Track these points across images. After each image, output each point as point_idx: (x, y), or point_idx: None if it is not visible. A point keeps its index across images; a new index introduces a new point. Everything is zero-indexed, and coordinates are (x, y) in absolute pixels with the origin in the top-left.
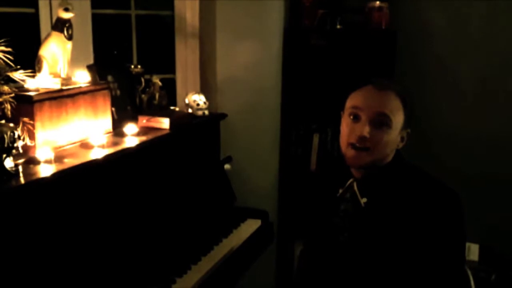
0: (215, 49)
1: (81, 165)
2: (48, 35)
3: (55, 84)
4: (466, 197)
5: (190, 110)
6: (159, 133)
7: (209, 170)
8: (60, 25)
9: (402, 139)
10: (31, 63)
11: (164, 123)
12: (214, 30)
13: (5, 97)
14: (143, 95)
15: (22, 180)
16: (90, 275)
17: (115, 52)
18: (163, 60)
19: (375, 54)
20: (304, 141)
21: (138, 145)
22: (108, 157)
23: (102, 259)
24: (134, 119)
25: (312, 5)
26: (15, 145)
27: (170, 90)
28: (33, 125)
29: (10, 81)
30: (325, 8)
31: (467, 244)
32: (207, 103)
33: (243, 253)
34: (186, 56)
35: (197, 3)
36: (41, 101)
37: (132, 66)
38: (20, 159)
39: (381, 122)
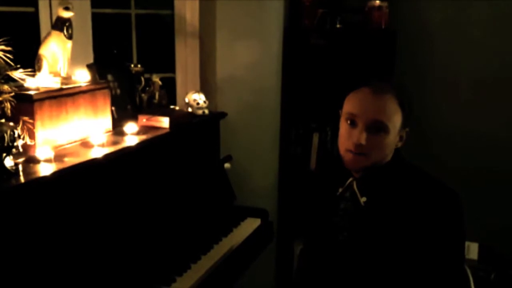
0: (215, 48)
1: (81, 164)
2: (48, 34)
3: (55, 83)
4: (466, 197)
5: (190, 109)
6: (159, 132)
7: (209, 169)
8: (60, 24)
9: (401, 138)
10: (31, 62)
11: (164, 122)
12: (214, 30)
13: (5, 96)
14: (143, 94)
15: (22, 179)
16: (90, 274)
17: (115, 51)
18: (163, 59)
19: (374, 53)
20: (304, 140)
21: (138, 144)
22: (108, 156)
23: (102, 258)
24: (134, 118)
25: (312, 4)
26: (15, 144)
27: (170, 89)
28: (33, 124)
29: (10, 80)
30: (325, 8)
31: (467, 243)
32: (207, 102)
33: (243, 252)
34: (186, 55)
35: (197, 3)
36: (41, 100)
37: (132, 65)
38: (20, 158)
39: (377, 128)
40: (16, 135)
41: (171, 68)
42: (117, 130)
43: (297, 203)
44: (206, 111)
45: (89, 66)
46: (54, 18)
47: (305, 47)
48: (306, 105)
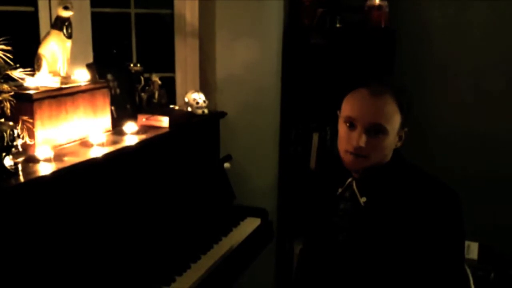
0: (215, 47)
1: (81, 164)
2: (47, 34)
3: (54, 83)
4: (466, 196)
5: (189, 109)
6: (158, 132)
7: (208, 169)
8: (59, 24)
9: (400, 138)
10: (31, 62)
11: (164, 121)
12: (213, 29)
13: (4, 95)
14: (142, 94)
15: (21, 179)
16: (90, 273)
17: (115, 50)
18: (162, 58)
19: (374, 52)
20: (304, 140)
21: (137, 144)
22: (107, 156)
23: (102, 257)
24: (134, 118)
25: (312, 4)
26: (15, 143)
27: (169, 88)
28: (32, 124)
29: (9, 79)
30: (325, 7)
31: (467, 242)
32: (206, 101)
33: (243, 251)
34: (185, 55)
35: (196, 2)
36: (41, 99)
37: (132, 65)
38: (19, 157)
39: (376, 130)
40: (15, 134)
41: (171, 67)
42: (116, 130)
43: (297, 202)
44: (206, 111)
45: (88, 66)
46: (53, 17)
47: (304, 47)
48: (306, 104)
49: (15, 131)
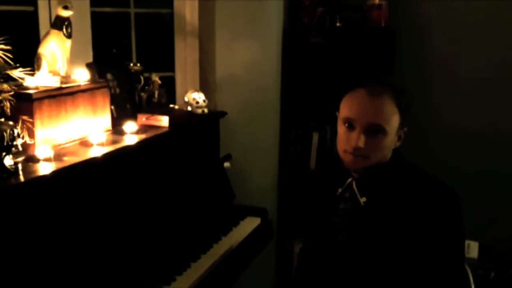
0: (215, 47)
1: (81, 163)
2: (47, 33)
3: (54, 82)
4: (466, 196)
5: (189, 108)
6: (158, 131)
7: (208, 168)
8: (59, 23)
9: (399, 137)
10: (30, 61)
11: (164, 121)
12: (213, 28)
13: (4, 95)
14: (142, 93)
15: (21, 178)
16: (90, 273)
17: (114, 50)
18: (162, 58)
19: (374, 52)
20: (304, 140)
21: (137, 143)
22: (107, 155)
23: (102, 257)
24: (134, 117)
25: (311, 3)
26: (15, 143)
27: (169, 88)
28: (32, 123)
29: (9, 79)
30: (324, 6)
31: (467, 242)
32: (206, 101)
33: (243, 251)
34: (185, 54)
35: (196, 2)
36: (41, 99)
37: (132, 64)
38: (19, 157)
39: (375, 131)
40: (15, 134)
41: (171, 67)
42: (116, 129)
43: (297, 202)
44: (206, 110)
45: (88, 65)
46: (53, 17)
47: (304, 46)
48: (305, 104)
49: (15, 131)
